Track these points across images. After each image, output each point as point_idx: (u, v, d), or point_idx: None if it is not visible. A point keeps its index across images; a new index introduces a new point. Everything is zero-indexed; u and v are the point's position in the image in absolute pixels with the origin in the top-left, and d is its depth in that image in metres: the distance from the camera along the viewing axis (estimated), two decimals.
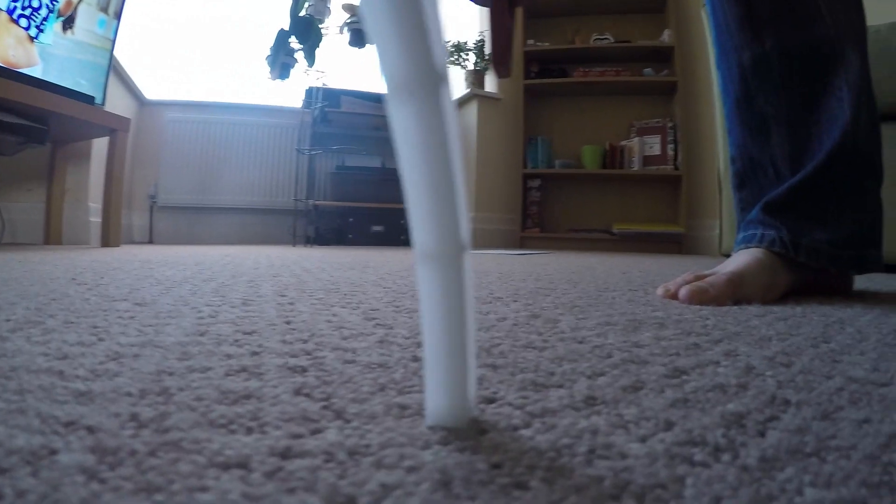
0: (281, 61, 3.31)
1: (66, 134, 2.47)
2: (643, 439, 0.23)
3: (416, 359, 0.37)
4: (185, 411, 0.25)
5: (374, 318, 0.55)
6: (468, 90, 3.81)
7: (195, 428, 0.23)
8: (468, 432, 0.24)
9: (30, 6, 2.00)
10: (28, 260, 1.30)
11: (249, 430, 0.23)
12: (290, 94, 4.77)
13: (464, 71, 3.91)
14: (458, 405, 0.24)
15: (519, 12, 3.87)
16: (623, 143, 3.82)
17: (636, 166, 3.71)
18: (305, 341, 0.42)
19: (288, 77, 3.40)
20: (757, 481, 0.19)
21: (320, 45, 3.38)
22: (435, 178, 0.22)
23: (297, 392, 0.29)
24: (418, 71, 0.21)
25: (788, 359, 0.40)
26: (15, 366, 0.32)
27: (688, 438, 0.23)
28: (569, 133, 3.99)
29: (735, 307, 0.69)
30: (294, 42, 3.32)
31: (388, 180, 3.59)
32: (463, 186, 0.23)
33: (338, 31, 3.59)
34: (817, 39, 0.83)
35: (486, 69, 3.86)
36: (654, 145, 3.72)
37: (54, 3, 2.09)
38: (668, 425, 0.25)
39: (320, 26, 3.32)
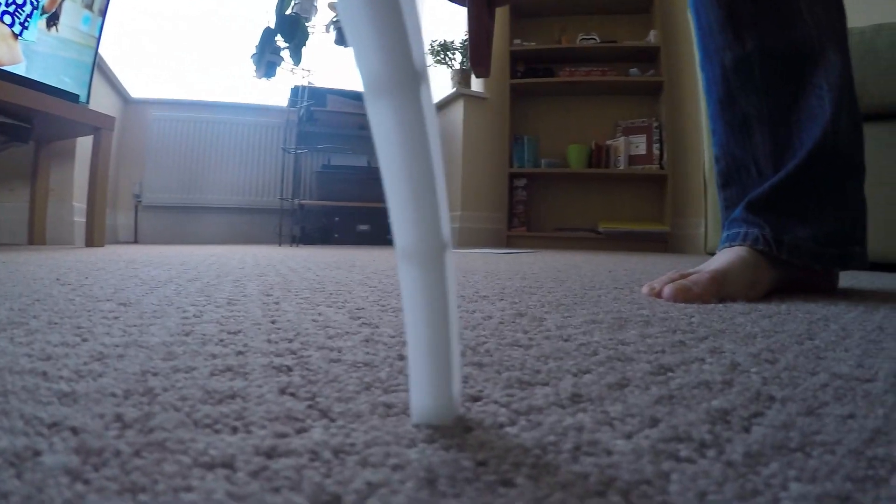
0: (267, 60, 3.30)
1: (50, 132, 2.45)
2: (628, 436, 0.23)
3: (402, 357, 0.37)
4: (170, 411, 0.25)
5: (359, 317, 0.54)
6: (454, 89, 3.81)
7: (180, 428, 0.23)
8: (454, 430, 0.24)
9: (14, 3, 1.97)
10: (11, 260, 1.29)
11: (234, 430, 0.23)
12: (275, 92, 4.75)
13: (450, 70, 3.91)
14: (444, 403, 0.24)
15: (503, 12, 3.87)
16: (609, 142, 3.83)
17: (622, 165, 3.73)
18: (291, 340, 0.42)
19: (274, 75, 3.39)
20: (742, 476, 0.19)
21: (306, 43, 3.37)
22: (415, 177, 0.22)
23: (283, 391, 0.29)
24: (396, 69, 0.21)
25: (773, 355, 0.40)
26: None
27: (673, 435, 0.24)
28: (555, 132, 4.00)
29: (720, 305, 0.70)
30: (280, 40, 3.31)
31: (374, 179, 3.58)
32: (443, 185, 0.23)
33: (324, 30, 3.58)
34: (798, 40, 0.84)
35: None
36: (639, 145, 3.74)
37: None
38: (654, 422, 0.25)
39: (306, 24, 3.32)
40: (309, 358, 0.36)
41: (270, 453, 0.21)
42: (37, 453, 0.20)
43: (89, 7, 2.32)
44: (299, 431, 0.23)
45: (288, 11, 3.24)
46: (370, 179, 3.60)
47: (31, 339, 0.40)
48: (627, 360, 0.38)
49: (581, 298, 0.75)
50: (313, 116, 3.62)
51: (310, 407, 0.26)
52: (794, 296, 0.81)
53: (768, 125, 0.87)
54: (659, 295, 0.76)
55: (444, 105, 4.00)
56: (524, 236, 3.84)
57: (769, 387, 0.31)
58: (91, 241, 2.41)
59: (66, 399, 0.26)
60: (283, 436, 0.23)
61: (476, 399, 0.28)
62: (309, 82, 3.63)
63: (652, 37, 3.67)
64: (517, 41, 3.88)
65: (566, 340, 0.45)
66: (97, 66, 2.48)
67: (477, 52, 0.58)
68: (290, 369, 0.33)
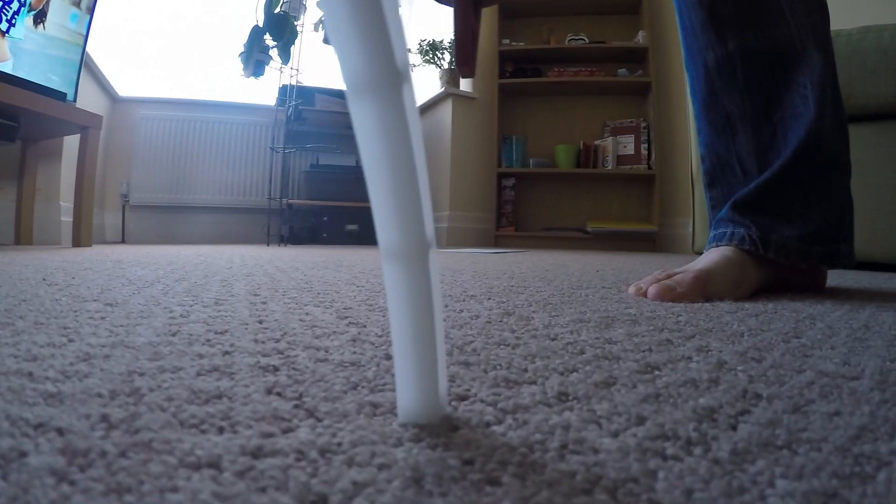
0: (255, 58, 3.28)
1: (37, 131, 2.43)
2: (615, 434, 0.24)
3: (389, 357, 0.37)
4: (156, 412, 0.25)
5: (347, 317, 0.54)
6: (443, 89, 3.81)
7: (166, 428, 0.23)
8: (440, 429, 0.24)
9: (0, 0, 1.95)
10: None
11: (221, 430, 0.23)
12: (264, 91, 4.72)
13: (439, 70, 3.90)
14: (430, 402, 0.24)
15: (491, 12, 3.88)
16: (597, 142, 3.85)
17: (610, 165, 3.74)
18: (278, 340, 0.42)
19: (262, 74, 3.37)
20: (728, 474, 0.20)
21: (295, 42, 3.36)
22: (398, 177, 0.22)
23: (269, 391, 0.29)
24: (379, 69, 0.21)
25: (760, 354, 0.40)
26: None
27: (660, 433, 0.24)
28: (543, 132, 4.01)
29: (707, 304, 0.70)
30: (268, 39, 3.30)
31: (363, 179, 3.53)
32: (426, 184, 0.23)
33: (312, 29, 3.57)
34: (779, 40, 0.84)
35: None
36: (627, 145, 3.76)
37: None
38: (641, 420, 0.25)
39: (295, 23, 3.31)
40: (296, 358, 0.36)
41: (257, 453, 0.21)
42: (22, 454, 0.20)
43: (77, 4, 2.30)
44: (286, 431, 0.23)
45: (276, 10, 3.23)
46: (358, 179, 3.58)
47: (17, 340, 0.39)
48: (614, 358, 0.38)
49: (568, 297, 0.75)
50: (301, 115, 3.61)
51: (296, 407, 0.26)
52: (780, 294, 0.82)
53: (751, 124, 0.87)
54: (645, 294, 0.76)
55: (432, 105, 3.99)
56: (512, 236, 3.85)
57: (755, 385, 0.32)
58: (78, 240, 2.39)
59: (52, 400, 0.26)
60: (269, 436, 0.22)
61: (463, 398, 0.29)
62: (297, 81, 3.62)
63: (640, 37, 3.69)
64: (506, 41, 3.89)
65: (553, 339, 0.45)
66: (85, 64, 2.46)
67: (462, 52, 0.58)
68: (276, 369, 0.33)
